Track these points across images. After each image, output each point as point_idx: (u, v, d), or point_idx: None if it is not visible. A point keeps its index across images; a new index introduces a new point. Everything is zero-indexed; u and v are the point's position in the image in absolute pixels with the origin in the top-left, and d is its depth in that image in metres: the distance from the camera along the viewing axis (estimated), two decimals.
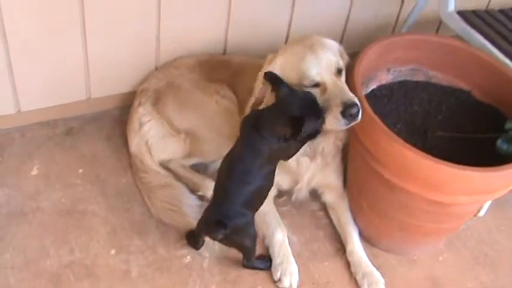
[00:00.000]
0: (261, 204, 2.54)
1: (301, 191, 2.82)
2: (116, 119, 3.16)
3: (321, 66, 2.43)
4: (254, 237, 2.51)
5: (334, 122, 2.39)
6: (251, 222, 2.46)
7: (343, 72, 2.50)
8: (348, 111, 2.34)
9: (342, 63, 2.49)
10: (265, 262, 2.63)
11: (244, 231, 2.46)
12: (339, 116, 2.36)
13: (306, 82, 2.42)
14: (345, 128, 2.40)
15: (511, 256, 2.88)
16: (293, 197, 2.85)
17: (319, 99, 2.40)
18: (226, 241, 2.48)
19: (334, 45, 2.57)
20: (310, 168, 2.71)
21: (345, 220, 2.78)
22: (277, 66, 2.49)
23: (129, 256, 2.60)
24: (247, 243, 2.49)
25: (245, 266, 2.61)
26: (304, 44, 2.51)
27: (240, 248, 2.53)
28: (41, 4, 2.65)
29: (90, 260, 2.56)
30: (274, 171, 2.50)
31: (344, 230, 2.77)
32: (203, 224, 2.47)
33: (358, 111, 2.35)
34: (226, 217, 2.36)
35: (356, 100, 2.35)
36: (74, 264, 2.54)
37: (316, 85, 2.42)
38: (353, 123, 2.38)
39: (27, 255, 2.54)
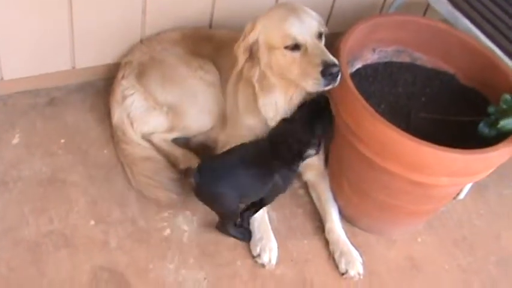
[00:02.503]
0: (255, 197, 2.59)
1: None
2: (100, 90, 3.14)
3: (302, 27, 2.45)
4: (227, 209, 2.53)
5: (313, 83, 2.40)
6: (226, 196, 2.48)
7: (323, 37, 2.51)
8: (327, 70, 2.35)
9: (323, 29, 2.50)
10: (244, 234, 2.64)
11: (220, 199, 2.49)
12: (319, 76, 2.37)
13: (288, 42, 2.43)
14: (324, 88, 2.41)
15: (489, 239, 2.91)
16: None
17: (300, 63, 2.42)
18: (196, 192, 2.52)
19: (315, 14, 2.56)
20: None
21: (325, 198, 2.79)
22: (259, 29, 2.50)
23: (108, 227, 2.60)
24: (215, 208, 2.55)
25: (217, 228, 2.63)
26: (286, 7, 2.52)
27: (214, 210, 2.57)
28: None
29: (69, 230, 2.56)
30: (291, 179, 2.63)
31: (324, 208, 2.78)
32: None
33: (338, 72, 2.36)
34: (206, 184, 2.42)
35: (336, 61, 2.36)
36: (52, 233, 2.54)
37: (297, 47, 2.43)
38: (332, 86, 2.39)
39: (6, 224, 2.54)
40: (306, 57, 2.42)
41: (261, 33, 2.50)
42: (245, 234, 2.63)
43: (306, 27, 2.45)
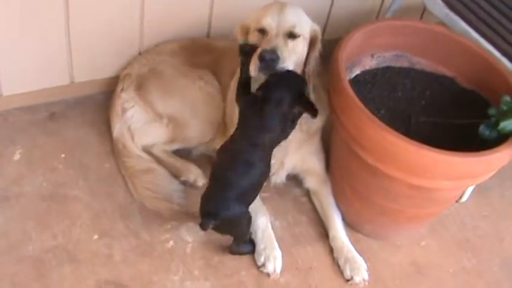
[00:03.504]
0: (256, 195, 2.57)
1: (279, 175, 2.82)
2: (100, 103, 3.14)
3: (275, 19, 2.50)
4: (247, 226, 2.52)
5: (254, 66, 2.46)
6: (245, 214, 2.47)
7: (298, 41, 2.52)
8: (262, 54, 2.41)
9: (301, 32, 2.52)
10: (249, 246, 2.63)
11: (236, 222, 2.47)
12: (257, 60, 2.42)
13: (258, 25, 2.51)
14: (260, 73, 2.46)
15: (493, 241, 2.91)
16: (271, 182, 2.83)
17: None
18: (218, 230, 2.49)
19: (306, 20, 2.58)
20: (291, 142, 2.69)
21: (327, 205, 2.79)
22: (251, 16, 2.59)
23: (111, 241, 2.59)
24: (239, 233, 2.52)
25: (231, 252, 2.61)
26: (280, 3, 2.57)
27: (231, 235, 2.55)
28: None
29: (73, 245, 2.55)
30: (270, 160, 2.52)
31: (327, 215, 2.78)
32: (200, 210, 2.46)
33: (272, 59, 2.41)
34: (220, 208, 2.38)
35: (277, 51, 2.42)
36: (56, 249, 2.53)
37: (262, 32, 2.51)
38: (268, 73, 2.44)
39: (9, 240, 2.53)
40: (263, 42, 2.47)
41: (251, 18, 2.57)
42: (250, 247, 2.63)
43: (279, 20, 2.50)
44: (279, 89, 2.40)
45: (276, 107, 2.39)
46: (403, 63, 2.76)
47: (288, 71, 2.45)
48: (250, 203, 2.52)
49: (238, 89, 2.56)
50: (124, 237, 2.61)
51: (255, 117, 2.42)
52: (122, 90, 2.93)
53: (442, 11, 3.04)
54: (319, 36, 2.60)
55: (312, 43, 2.59)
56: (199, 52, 3.00)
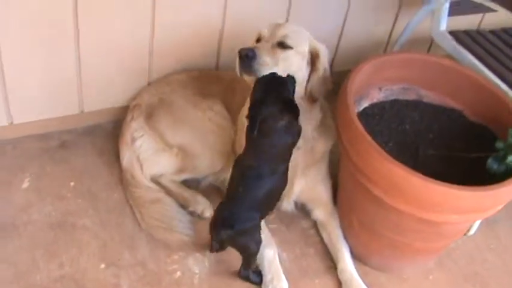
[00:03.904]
0: (274, 206, 2.58)
1: (288, 201, 2.81)
2: (109, 133, 3.16)
3: (270, 30, 2.61)
4: (259, 242, 2.50)
5: (237, 67, 2.54)
6: (258, 226, 2.48)
7: (289, 52, 2.57)
8: (240, 51, 2.48)
9: (293, 45, 2.57)
10: (259, 276, 2.62)
11: (250, 234, 2.46)
12: (238, 59, 2.51)
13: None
14: (240, 72, 2.53)
15: (501, 274, 2.89)
16: (281, 208, 2.83)
17: None
18: (231, 242, 2.48)
19: (304, 37, 2.65)
20: (298, 165, 2.70)
21: (335, 238, 2.78)
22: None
23: (119, 271, 2.59)
24: (252, 246, 2.49)
25: (240, 275, 2.61)
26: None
27: (243, 250, 2.52)
28: (34, 17, 2.66)
29: (80, 274, 2.55)
30: (286, 170, 2.53)
31: (335, 247, 2.77)
32: (212, 223, 2.47)
33: (248, 56, 2.47)
34: (234, 218, 2.39)
35: (255, 49, 2.49)
36: (64, 278, 2.53)
37: (259, 40, 2.63)
38: (250, 72, 2.50)
39: (17, 269, 2.53)
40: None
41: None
42: (260, 277, 2.62)
43: (273, 31, 2.60)
44: (263, 105, 2.41)
45: (268, 124, 2.41)
46: (411, 96, 2.77)
47: (272, 75, 2.47)
48: (264, 215, 2.54)
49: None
50: (131, 267, 2.61)
51: (255, 137, 2.43)
52: (132, 119, 2.95)
53: (450, 44, 3.06)
54: (323, 55, 2.62)
55: (313, 61, 2.61)
56: (209, 82, 3.02)
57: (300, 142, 2.57)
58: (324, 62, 2.62)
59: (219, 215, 2.45)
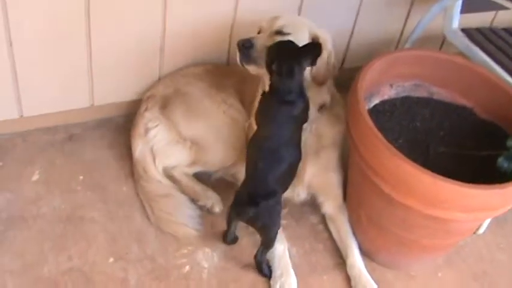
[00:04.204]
0: (291, 181, 2.60)
1: (300, 193, 2.81)
2: (119, 126, 3.16)
3: (269, 22, 2.69)
4: (279, 222, 2.53)
5: (238, 57, 2.64)
6: (280, 203, 2.51)
7: (287, 38, 2.60)
8: (238, 42, 2.61)
9: (290, 31, 2.63)
10: (270, 271, 2.63)
11: (274, 210, 2.49)
12: (237, 50, 2.62)
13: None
14: (244, 63, 2.64)
15: (510, 274, 2.88)
16: (292, 198, 2.82)
17: None
18: (255, 220, 2.49)
19: (303, 24, 2.71)
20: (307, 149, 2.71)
21: (344, 233, 2.78)
22: None
23: (127, 264, 2.59)
24: (274, 225, 2.51)
25: (256, 260, 2.60)
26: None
27: (265, 230, 2.52)
28: (46, 10, 2.66)
29: (89, 267, 2.56)
30: (300, 142, 2.58)
31: (344, 243, 2.77)
32: (234, 204, 2.50)
33: (245, 46, 2.60)
34: (258, 195, 2.41)
35: (252, 40, 2.61)
36: (72, 271, 2.53)
37: (259, 32, 2.71)
38: (248, 61, 2.62)
39: (25, 261, 2.54)
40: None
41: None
42: (270, 272, 2.63)
43: (272, 22, 2.68)
44: (283, 54, 2.51)
45: (292, 68, 2.49)
46: (422, 93, 2.76)
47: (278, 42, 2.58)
48: (284, 190, 2.57)
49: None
50: (139, 261, 2.61)
51: (275, 96, 2.53)
52: (146, 109, 2.95)
53: (462, 41, 3.05)
54: (323, 40, 2.65)
55: None
56: (223, 76, 3.03)
57: (305, 124, 2.62)
58: (326, 46, 2.64)
59: (242, 194, 2.47)
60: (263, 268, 2.62)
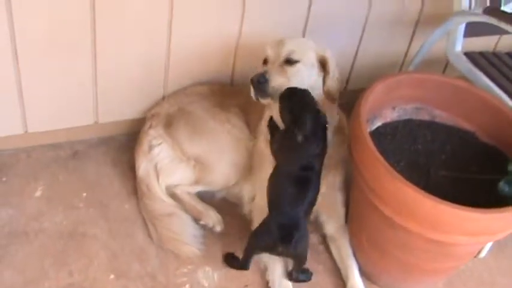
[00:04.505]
0: (313, 207, 2.61)
1: None
2: (122, 144, 3.18)
3: (275, 49, 2.71)
4: (307, 246, 2.55)
5: (251, 92, 2.68)
6: (306, 227, 2.53)
7: (298, 66, 2.67)
8: (252, 77, 2.64)
9: (299, 58, 2.67)
10: (307, 274, 2.65)
11: (306, 237, 2.51)
12: (251, 85, 2.65)
13: (264, 56, 2.75)
14: (255, 97, 2.67)
15: None
16: None
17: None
18: (289, 253, 2.50)
19: (309, 47, 2.73)
20: None
21: (345, 254, 2.77)
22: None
23: (128, 282, 2.59)
24: (307, 248, 2.54)
25: (293, 279, 2.62)
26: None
27: (300, 256, 2.54)
28: (52, 27, 2.68)
29: (89, 284, 2.56)
30: (321, 170, 2.61)
31: (345, 264, 2.76)
32: (261, 238, 2.50)
33: (259, 81, 2.62)
34: (289, 227, 2.44)
35: (266, 74, 2.63)
36: (72, 287, 2.54)
37: (265, 62, 2.74)
38: (260, 97, 2.66)
39: (26, 276, 2.54)
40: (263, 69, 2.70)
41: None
42: (308, 274, 2.69)
43: (278, 50, 2.70)
44: (306, 119, 2.53)
45: (312, 133, 2.53)
46: (424, 116, 2.77)
47: (290, 89, 2.60)
48: (309, 217, 2.61)
49: (270, 132, 2.72)
50: (140, 278, 2.61)
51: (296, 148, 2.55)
52: (150, 127, 2.97)
53: (465, 65, 3.06)
54: (330, 59, 2.70)
55: (324, 66, 2.71)
56: (228, 96, 3.05)
57: None
58: (332, 64, 2.71)
59: (270, 228, 2.47)
60: (301, 279, 2.64)
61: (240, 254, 2.62)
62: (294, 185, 2.51)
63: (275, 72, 2.64)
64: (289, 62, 2.66)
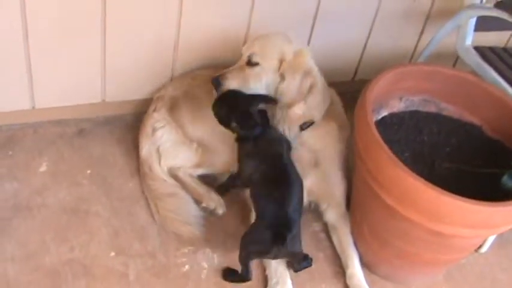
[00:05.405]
0: (303, 204, 2.63)
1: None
2: (128, 124, 3.19)
3: (248, 44, 2.77)
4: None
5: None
6: (299, 225, 2.53)
7: (257, 68, 2.69)
8: (212, 79, 2.71)
9: (258, 60, 2.68)
10: (308, 260, 2.62)
11: (298, 236, 2.51)
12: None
13: None
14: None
15: None
16: None
17: None
18: (283, 254, 2.50)
19: (275, 49, 2.71)
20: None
21: (346, 243, 2.78)
22: None
23: (128, 259, 2.61)
24: (300, 245, 2.53)
25: (297, 270, 2.61)
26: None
27: (294, 254, 2.54)
28: (63, 5, 2.69)
29: (89, 260, 2.58)
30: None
31: (345, 252, 2.76)
32: (253, 244, 2.50)
33: (216, 84, 2.70)
34: (282, 228, 2.43)
35: (220, 79, 2.70)
36: (72, 262, 2.55)
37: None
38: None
39: (28, 249, 2.56)
40: None
41: None
42: (309, 260, 2.65)
43: (246, 48, 2.76)
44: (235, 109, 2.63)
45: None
46: (431, 108, 2.77)
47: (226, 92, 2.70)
48: (300, 215, 2.58)
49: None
50: (140, 257, 2.63)
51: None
52: (154, 110, 2.98)
53: (474, 59, 3.05)
54: (301, 63, 2.68)
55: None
56: None
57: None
58: (300, 67, 2.68)
59: (262, 232, 2.46)
60: (303, 267, 2.61)
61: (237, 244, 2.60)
62: (275, 186, 2.52)
63: (231, 75, 2.69)
64: (250, 63, 2.69)
